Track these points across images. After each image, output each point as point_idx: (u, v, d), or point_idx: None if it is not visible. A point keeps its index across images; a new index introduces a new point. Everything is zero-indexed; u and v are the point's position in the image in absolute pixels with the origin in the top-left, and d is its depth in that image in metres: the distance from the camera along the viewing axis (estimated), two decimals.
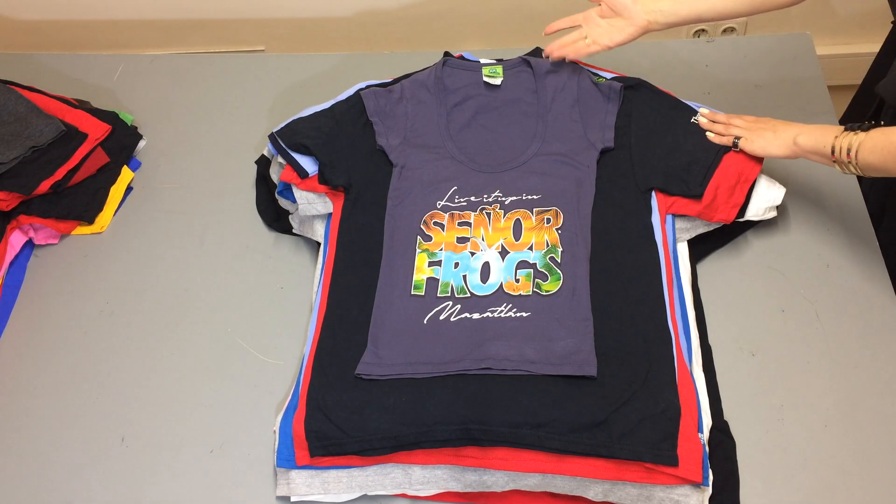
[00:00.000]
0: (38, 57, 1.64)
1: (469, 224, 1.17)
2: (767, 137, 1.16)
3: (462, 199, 1.19)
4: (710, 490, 0.99)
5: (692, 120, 1.22)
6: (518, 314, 1.07)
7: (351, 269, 1.16)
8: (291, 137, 1.25)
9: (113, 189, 1.39)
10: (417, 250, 1.15)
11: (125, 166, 1.42)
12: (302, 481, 1.04)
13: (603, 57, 1.39)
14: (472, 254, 1.14)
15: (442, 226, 1.17)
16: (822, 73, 1.45)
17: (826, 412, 1.08)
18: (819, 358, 1.12)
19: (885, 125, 1.04)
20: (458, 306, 1.09)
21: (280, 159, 1.26)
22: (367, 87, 1.31)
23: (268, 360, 1.19)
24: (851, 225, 1.25)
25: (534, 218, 1.16)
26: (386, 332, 1.09)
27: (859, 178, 1.28)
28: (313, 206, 1.25)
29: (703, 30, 1.81)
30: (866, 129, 1.05)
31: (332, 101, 1.31)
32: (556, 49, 1.25)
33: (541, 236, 1.14)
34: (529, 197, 1.18)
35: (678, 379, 1.03)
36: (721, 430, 1.06)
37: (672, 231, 1.18)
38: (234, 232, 1.34)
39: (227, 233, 1.34)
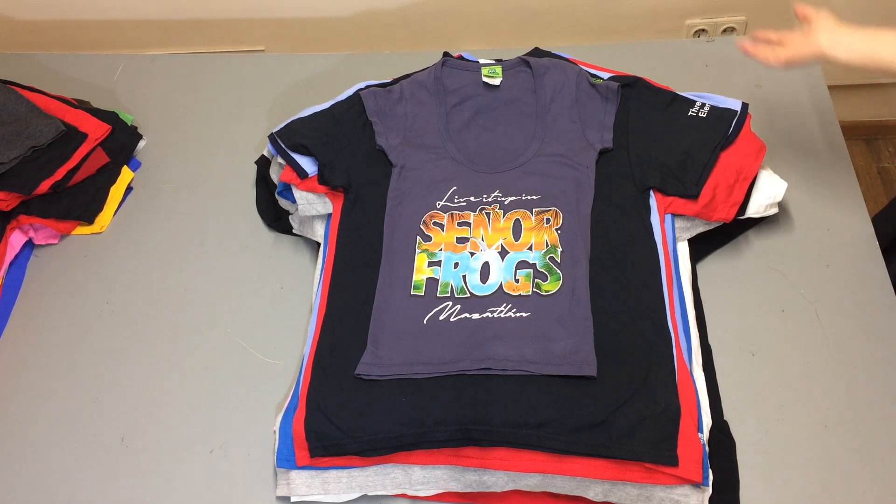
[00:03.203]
0: (38, 57, 1.64)
1: (469, 224, 1.17)
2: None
3: (462, 200, 1.19)
4: (710, 490, 0.99)
5: (689, 113, 1.22)
6: (518, 314, 1.07)
7: (351, 269, 1.16)
8: (291, 138, 1.25)
9: (113, 189, 1.39)
10: (417, 250, 1.15)
11: (125, 166, 1.42)
12: (302, 481, 1.04)
13: (602, 57, 1.39)
14: (472, 254, 1.14)
15: (441, 226, 1.17)
16: (823, 72, 1.45)
17: (826, 412, 1.08)
18: (819, 358, 1.12)
19: None
20: (458, 306, 1.09)
21: (280, 160, 1.26)
22: (367, 87, 1.31)
23: (268, 360, 1.19)
24: (851, 225, 1.25)
25: (533, 218, 1.16)
26: (386, 332, 1.08)
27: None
28: (313, 207, 1.25)
29: (703, 30, 1.81)
30: None
31: (332, 102, 1.31)
32: (751, 46, 1.15)
33: (540, 236, 1.14)
34: (529, 197, 1.18)
35: (678, 379, 1.03)
36: (721, 430, 1.06)
37: (672, 231, 1.18)
38: (234, 232, 1.34)
39: (227, 233, 1.34)
